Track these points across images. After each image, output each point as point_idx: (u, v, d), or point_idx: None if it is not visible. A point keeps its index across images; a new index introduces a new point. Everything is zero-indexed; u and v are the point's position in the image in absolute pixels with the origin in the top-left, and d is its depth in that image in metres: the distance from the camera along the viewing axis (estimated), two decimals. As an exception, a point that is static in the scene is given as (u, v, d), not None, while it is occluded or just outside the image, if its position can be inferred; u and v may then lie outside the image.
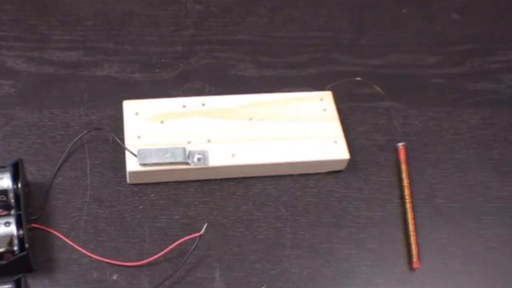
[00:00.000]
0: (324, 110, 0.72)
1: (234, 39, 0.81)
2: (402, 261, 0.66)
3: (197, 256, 0.64)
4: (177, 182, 0.68)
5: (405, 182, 0.70)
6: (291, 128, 0.70)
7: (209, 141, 0.68)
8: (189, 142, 0.68)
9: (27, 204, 0.62)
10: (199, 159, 0.67)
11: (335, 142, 0.70)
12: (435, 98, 0.78)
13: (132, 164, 0.66)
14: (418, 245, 0.66)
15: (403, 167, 0.71)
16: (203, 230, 0.62)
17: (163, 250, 0.62)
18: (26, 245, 0.58)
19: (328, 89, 0.75)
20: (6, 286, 0.56)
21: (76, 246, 0.62)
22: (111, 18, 0.81)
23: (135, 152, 0.66)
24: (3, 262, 0.58)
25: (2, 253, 0.58)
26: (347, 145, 0.70)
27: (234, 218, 0.67)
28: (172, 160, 0.66)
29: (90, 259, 0.62)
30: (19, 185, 0.61)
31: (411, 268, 0.65)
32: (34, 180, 0.67)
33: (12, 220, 0.59)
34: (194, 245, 0.62)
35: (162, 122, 0.69)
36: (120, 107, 0.70)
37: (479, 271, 0.66)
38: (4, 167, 0.62)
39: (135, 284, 0.61)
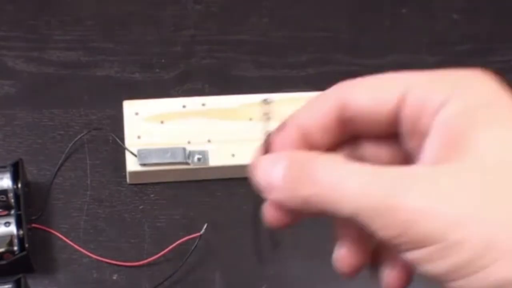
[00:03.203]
0: (324, 110, 0.72)
1: (234, 39, 0.81)
2: (402, 261, 0.66)
3: (197, 256, 0.64)
4: (177, 182, 0.68)
5: (405, 182, 0.70)
6: (291, 128, 0.70)
7: (209, 141, 0.68)
8: (189, 142, 0.68)
9: (27, 204, 0.62)
10: (199, 159, 0.67)
11: (335, 142, 0.70)
12: (435, 98, 0.78)
13: (132, 164, 0.66)
14: (418, 245, 0.66)
15: (403, 167, 0.71)
16: (203, 230, 0.62)
17: (163, 250, 0.62)
18: (26, 245, 0.58)
19: (328, 89, 0.74)
20: (6, 286, 0.56)
21: (76, 246, 0.62)
22: (111, 18, 0.81)
23: (135, 152, 0.66)
24: (3, 262, 0.58)
25: (2, 253, 0.58)
26: (347, 145, 0.70)
27: (234, 218, 0.67)
28: (172, 160, 0.66)
29: (90, 259, 0.62)
30: (19, 185, 0.61)
31: (411, 268, 0.65)
32: (34, 180, 0.67)
33: (12, 220, 0.59)
34: (194, 245, 0.62)
35: (162, 122, 0.69)
36: (120, 107, 0.70)
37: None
38: (4, 167, 0.62)
39: (135, 284, 0.61)
